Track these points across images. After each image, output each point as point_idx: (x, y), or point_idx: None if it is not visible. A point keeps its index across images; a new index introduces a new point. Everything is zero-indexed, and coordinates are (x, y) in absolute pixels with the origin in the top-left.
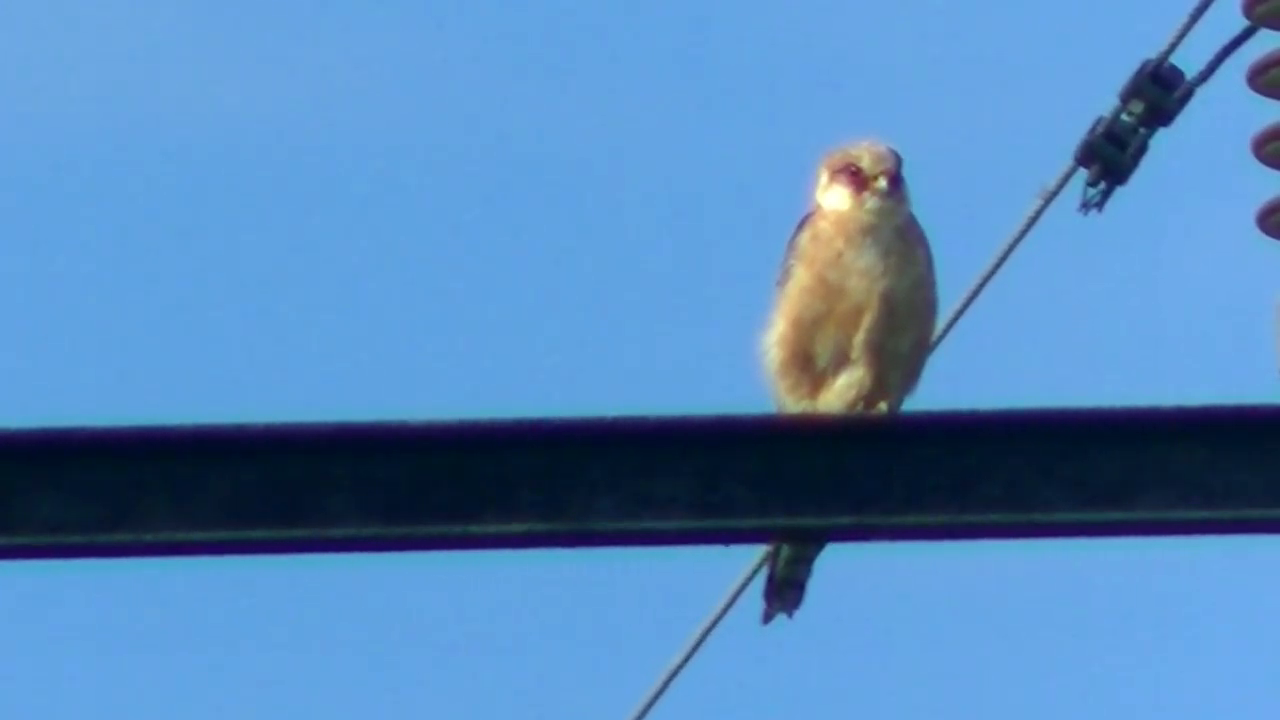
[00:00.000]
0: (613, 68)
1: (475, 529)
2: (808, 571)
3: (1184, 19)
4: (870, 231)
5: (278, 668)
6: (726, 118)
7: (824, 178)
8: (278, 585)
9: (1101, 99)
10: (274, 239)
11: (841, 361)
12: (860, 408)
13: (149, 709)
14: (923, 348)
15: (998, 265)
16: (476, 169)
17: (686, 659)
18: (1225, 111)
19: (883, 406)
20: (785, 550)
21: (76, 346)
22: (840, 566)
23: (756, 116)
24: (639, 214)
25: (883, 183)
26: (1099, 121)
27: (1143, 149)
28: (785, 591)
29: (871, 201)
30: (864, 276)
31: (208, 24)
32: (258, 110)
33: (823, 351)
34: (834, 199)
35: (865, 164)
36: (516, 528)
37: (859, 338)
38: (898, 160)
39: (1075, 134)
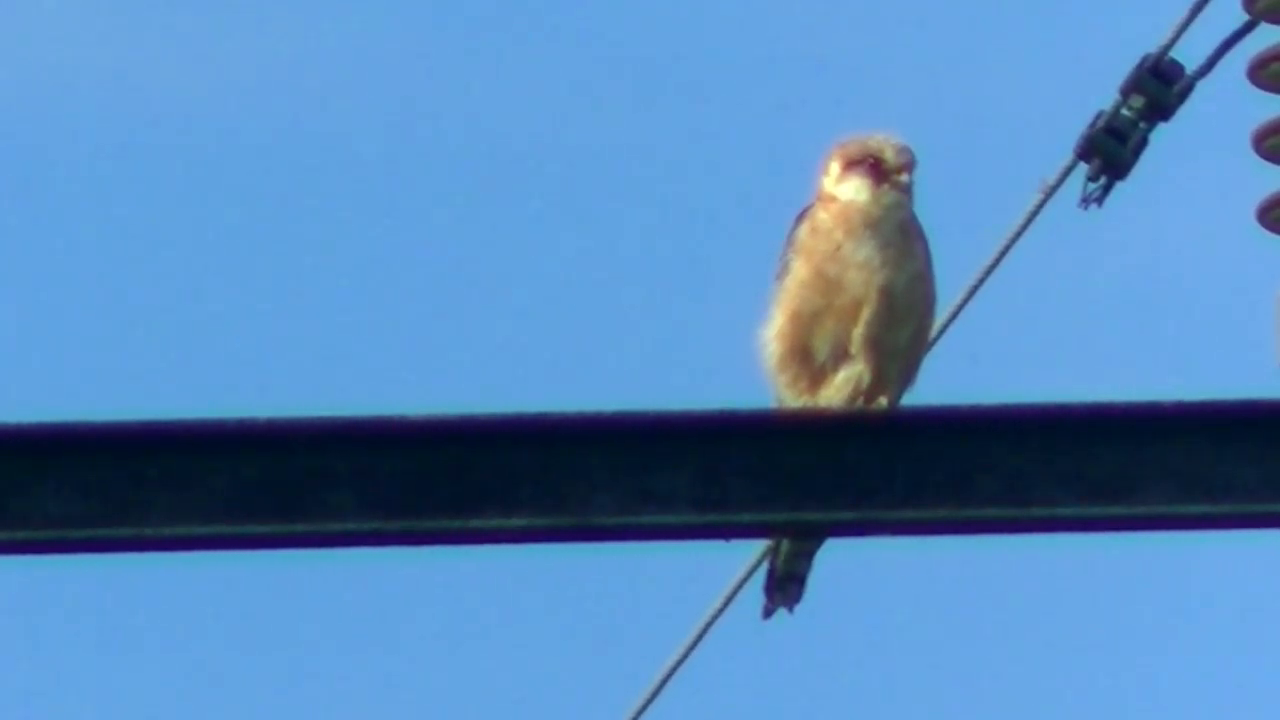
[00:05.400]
0: (611, 62)
1: (476, 524)
2: (808, 566)
3: (1184, 13)
4: (871, 224)
5: (278, 663)
6: (725, 112)
7: (836, 168)
8: (278, 580)
9: (1102, 93)
10: (276, 233)
11: (840, 356)
12: (860, 402)
13: (149, 705)
14: (921, 342)
15: (998, 259)
16: (475, 164)
17: (687, 654)
18: (1225, 106)
19: (882, 401)
20: (785, 545)
21: (77, 341)
22: (840, 561)
23: (756, 110)
24: (638, 208)
25: (906, 177)
26: (1099, 116)
27: (1143, 143)
28: (786, 586)
29: (891, 195)
30: (862, 270)
31: (196, 16)
32: (258, 105)
33: (821, 346)
34: (850, 190)
35: (889, 156)
36: (517, 523)
37: (858, 331)
38: (913, 155)
39: (1075, 128)
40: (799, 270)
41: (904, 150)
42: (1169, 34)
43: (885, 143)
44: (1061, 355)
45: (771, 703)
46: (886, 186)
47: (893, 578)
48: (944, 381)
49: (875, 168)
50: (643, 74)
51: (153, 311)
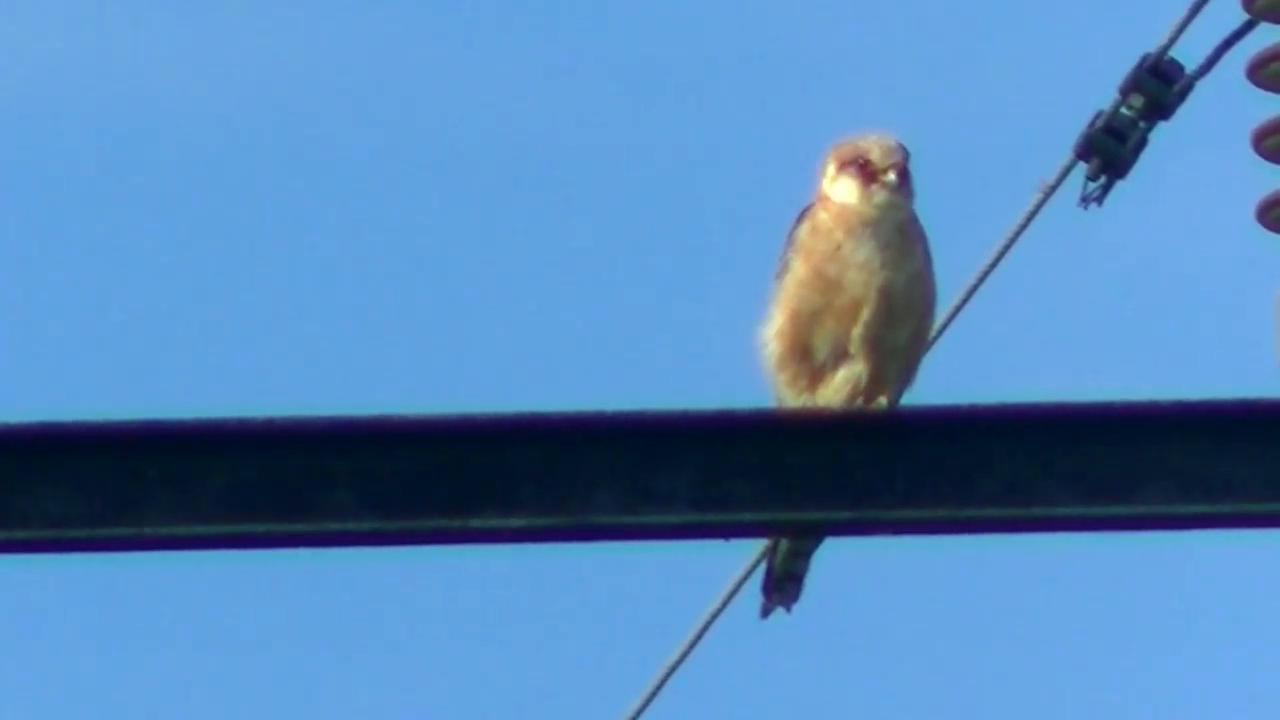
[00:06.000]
0: (611, 62)
1: (475, 523)
2: (806, 566)
3: (1184, 13)
4: (870, 225)
5: (277, 662)
6: (726, 111)
7: (832, 169)
8: (277, 579)
9: (1101, 93)
10: (275, 232)
11: (840, 355)
12: (859, 402)
13: (149, 705)
14: (920, 342)
15: (998, 259)
16: (475, 163)
17: (685, 653)
18: (1225, 105)
19: (882, 401)
20: (783, 544)
21: (77, 341)
22: (839, 561)
23: (756, 110)
24: (638, 208)
25: (892, 176)
26: (1099, 115)
27: (1142, 143)
28: (784, 586)
29: (880, 195)
30: (862, 270)
31: (195, 15)
32: (257, 104)
33: (821, 345)
34: (842, 191)
35: (875, 157)
36: (516, 522)
37: (857, 331)
38: (906, 154)
39: (1075, 128)
40: (799, 270)
41: (892, 150)
42: (1168, 33)
43: (874, 143)
44: (1061, 355)
45: (770, 702)
46: (876, 187)
47: (892, 578)
48: (944, 381)
49: (864, 168)
50: (643, 74)
51: (152, 311)
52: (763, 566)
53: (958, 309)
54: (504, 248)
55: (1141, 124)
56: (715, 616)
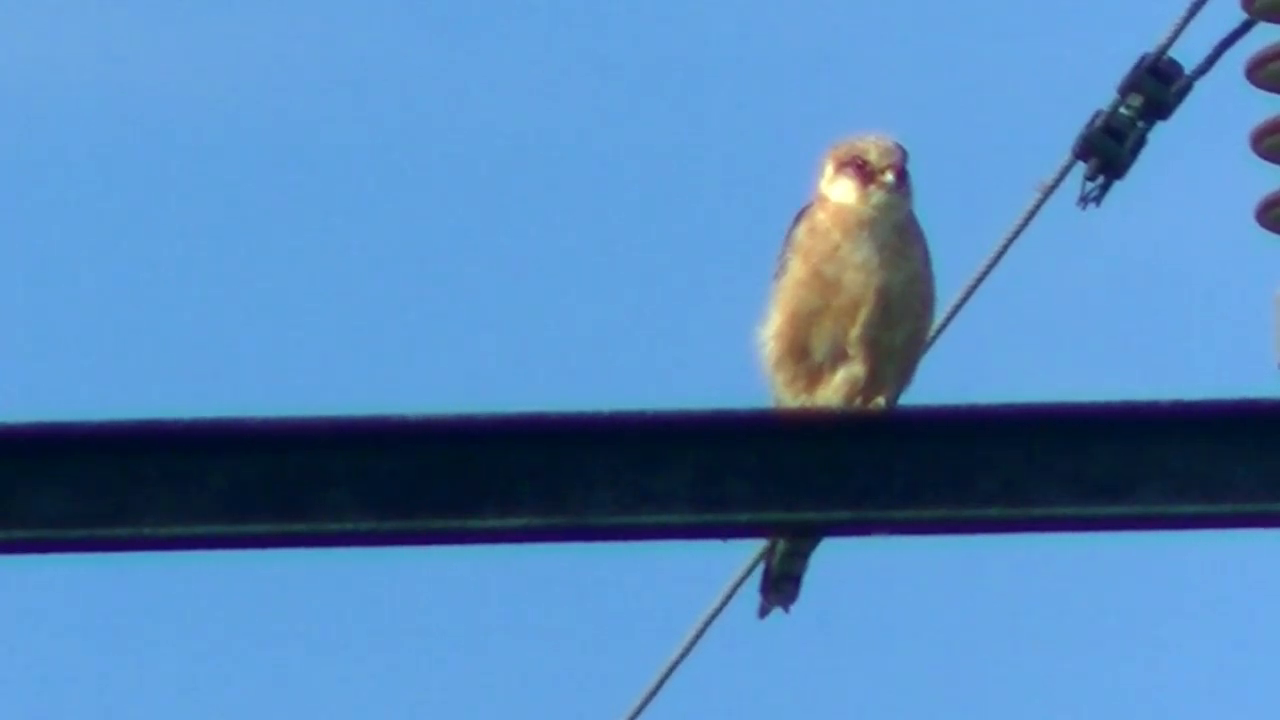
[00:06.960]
0: (610, 62)
1: (474, 523)
2: (804, 566)
3: (1182, 13)
4: (868, 225)
5: (277, 663)
6: (725, 111)
7: (829, 169)
8: (276, 579)
9: (1100, 92)
10: (274, 232)
11: (838, 356)
12: (857, 402)
13: (149, 705)
14: (918, 342)
15: (996, 259)
16: (474, 163)
17: (684, 653)
18: (1224, 105)
19: (880, 401)
20: (782, 544)
21: (77, 341)
22: (837, 561)
23: (755, 109)
24: (638, 208)
25: (890, 177)
26: (1097, 115)
27: (1141, 143)
28: (782, 586)
29: (877, 195)
30: (860, 270)
31: (192, 14)
32: (258, 104)
33: (819, 345)
34: (840, 191)
35: (873, 157)
36: (515, 522)
37: (855, 332)
38: (904, 154)
39: (1074, 128)
40: (797, 270)
41: (889, 151)
42: (1167, 33)
43: (872, 143)
44: (1060, 355)
45: (769, 703)
46: (873, 187)
47: (889, 577)
48: (942, 381)
49: (861, 169)
50: (642, 73)
51: (150, 311)
52: (761, 567)
53: (956, 309)
54: (503, 247)
55: (1140, 124)
56: (714, 617)
